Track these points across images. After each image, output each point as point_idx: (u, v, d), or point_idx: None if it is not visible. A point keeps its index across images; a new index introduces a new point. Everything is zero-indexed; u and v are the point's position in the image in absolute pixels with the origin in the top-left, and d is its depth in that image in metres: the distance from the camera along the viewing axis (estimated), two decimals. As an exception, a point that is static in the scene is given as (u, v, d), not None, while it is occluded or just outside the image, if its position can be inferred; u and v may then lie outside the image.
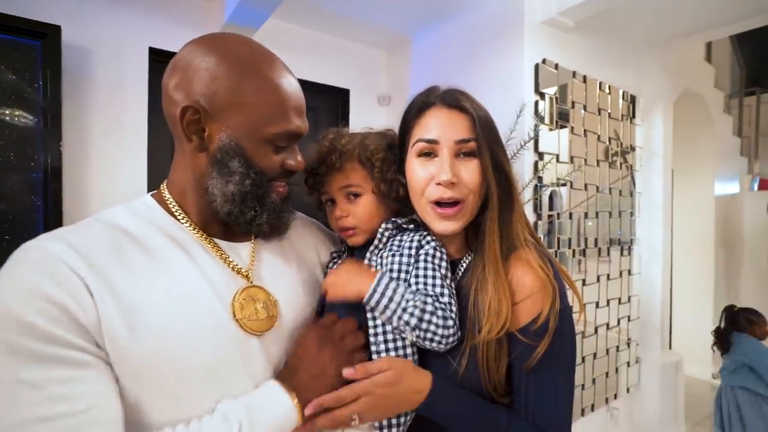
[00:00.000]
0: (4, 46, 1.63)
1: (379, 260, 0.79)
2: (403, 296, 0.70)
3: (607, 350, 2.37)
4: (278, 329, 0.70)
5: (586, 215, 2.23)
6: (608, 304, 2.38)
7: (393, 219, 0.81)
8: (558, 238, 2.08)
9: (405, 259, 0.76)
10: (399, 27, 2.56)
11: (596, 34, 2.28)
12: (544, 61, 2.02)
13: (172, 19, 2.03)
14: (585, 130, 2.21)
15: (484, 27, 2.17)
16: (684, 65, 3.07)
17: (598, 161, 2.29)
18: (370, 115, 2.75)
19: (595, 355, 2.29)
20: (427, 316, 0.69)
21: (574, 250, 2.17)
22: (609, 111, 2.35)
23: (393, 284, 0.71)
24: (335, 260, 0.88)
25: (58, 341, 0.50)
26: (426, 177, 0.76)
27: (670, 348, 3.47)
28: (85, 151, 1.86)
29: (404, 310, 0.70)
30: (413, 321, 0.69)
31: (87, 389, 0.51)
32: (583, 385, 2.22)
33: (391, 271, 0.76)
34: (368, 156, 0.81)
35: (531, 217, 1.98)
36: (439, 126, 0.76)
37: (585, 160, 2.21)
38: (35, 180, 1.71)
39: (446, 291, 0.73)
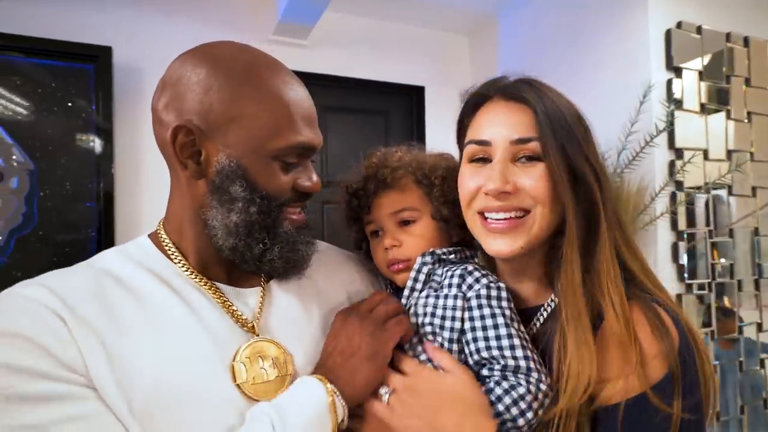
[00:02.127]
0: (60, 73, 1.85)
1: (414, 306, 0.75)
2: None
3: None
4: None
5: (756, 231, 1.89)
6: (799, 358, 1.93)
7: (432, 250, 0.77)
8: (711, 265, 1.79)
9: (451, 302, 0.71)
10: (481, 5, 2.46)
11: (761, -22, 1.96)
12: (679, 24, 1.79)
13: (222, 28, 2.17)
14: (749, 113, 1.90)
15: (594, -9, 2.00)
16: None
17: (772, 157, 1.93)
18: (451, 116, 2.65)
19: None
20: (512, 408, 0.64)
21: (740, 281, 1.82)
22: (788, 83, 1.99)
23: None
24: None
25: (51, 378, 0.52)
26: (474, 187, 0.72)
27: None
28: (137, 175, 2.03)
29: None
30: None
31: (95, 425, 0.53)
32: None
33: (432, 316, 0.71)
34: (426, 173, 0.79)
35: (669, 236, 1.74)
36: (493, 124, 0.72)
37: (751, 154, 1.89)
38: (90, 210, 1.91)
39: (518, 343, 0.66)
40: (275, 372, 0.65)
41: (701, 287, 1.75)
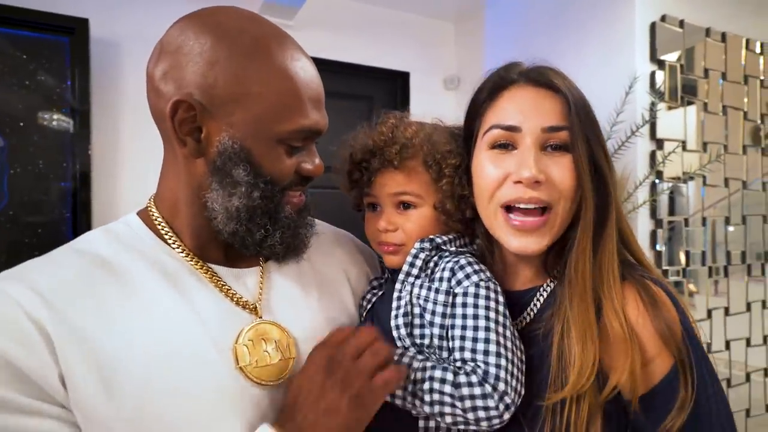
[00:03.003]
0: (32, 45, 1.74)
1: (408, 294, 0.71)
2: (421, 381, 0.63)
3: None
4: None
5: (727, 220, 1.95)
6: (765, 341, 2.04)
7: (431, 237, 0.73)
8: (687, 252, 1.83)
9: (442, 297, 0.68)
10: (469, -8, 2.44)
11: (740, -24, 1.99)
12: (663, 18, 1.79)
13: (206, 3, 2.07)
14: (724, 107, 1.93)
15: (580, -19, 1.99)
16: None
17: (744, 147, 1.99)
18: (436, 102, 2.72)
19: (748, 411, 1.96)
20: (453, 405, 0.60)
21: (710, 267, 1.89)
22: (761, 78, 2.04)
23: (417, 365, 0.64)
24: (375, 291, 0.81)
25: (17, 409, 0.50)
26: (499, 176, 0.67)
27: None
28: (114, 155, 1.95)
29: (422, 400, 0.62)
30: (427, 408, 0.62)
31: None
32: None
33: (423, 310, 0.68)
34: (437, 159, 0.73)
35: (648, 225, 1.77)
36: (522, 109, 0.68)
37: (725, 146, 1.92)
38: (64, 190, 1.81)
39: (493, 350, 0.62)
40: (278, 355, 0.63)
41: (676, 273, 1.79)
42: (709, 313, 1.87)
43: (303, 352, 0.66)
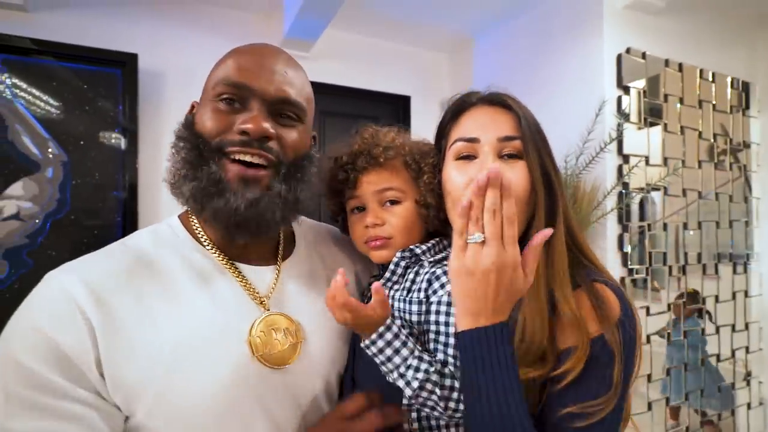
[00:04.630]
0: (91, 76, 1.84)
1: (390, 299, 0.70)
2: (404, 361, 0.60)
3: (719, 388, 2.03)
4: (306, 355, 0.65)
5: (685, 225, 1.97)
6: (718, 331, 2.06)
7: (411, 247, 0.72)
8: (650, 253, 1.86)
9: (415, 308, 0.66)
10: (461, 28, 2.49)
11: (694, 15, 2.02)
12: (628, 50, 1.84)
13: (235, 41, 2.15)
14: (682, 127, 1.96)
15: (557, 19, 2.04)
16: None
17: (699, 162, 2.02)
18: (433, 121, 2.68)
19: (702, 392, 1.98)
20: (428, 388, 0.58)
21: (670, 267, 1.92)
22: (713, 102, 2.07)
23: (397, 342, 0.60)
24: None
25: (52, 391, 0.50)
26: (464, 181, 0.68)
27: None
28: (158, 168, 2.02)
29: (402, 376, 0.59)
30: (408, 391, 0.59)
31: None
32: (687, 429, 1.92)
33: (403, 321, 0.67)
34: (416, 158, 0.73)
35: (616, 229, 1.80)
36: (480, 124, 0.69)
37: (683, 161, 1.96)
38: (117, 198, 1.90)
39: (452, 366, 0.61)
40: (288, 340, 0.63)
41: (639, 272, 1.83)
42: (669, 306, 1.91)
43: (310, 335, 0.67)
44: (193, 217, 0.67)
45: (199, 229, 0.67)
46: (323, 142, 2.46)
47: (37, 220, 1.74)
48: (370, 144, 0.73)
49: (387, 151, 0.72)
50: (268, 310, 0.65)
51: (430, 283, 0.67)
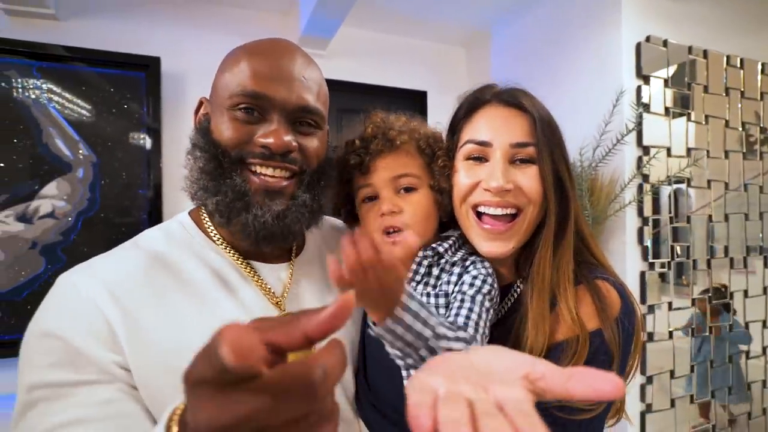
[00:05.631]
0: (117, 80, 1.94)
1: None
2: (424, 329, 0.55)
3: (749, 385, 1.98)
4: None
5: (710, 218, 1.91)
6: (747, 327, 2.00)
7: (433, 246, 0.69)
8: (672, 246, 1.82)
9: (443, 300, 0.65)
10: (477, 21, 2.48)
11: (719, -1, 1.95)
12: (648, 38, 1.80)
13: (253, 39, 2.22)
14: (706, 116, 1.90)
15: (574, 8, 2.01)
16: None
17: (726, 152, 1.95)
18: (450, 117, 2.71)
19: (730, 390, 1.93)
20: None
21: (695, 260, 1.86)
22: (742, 90, 1.99)
23: (424, 312, 0.55)
24: None
25: (86, 381, 0.49)
26: (472, 183, 0.67)
27: None
28: (181, 169, 2.11)
29: (416, 349, 0.55)
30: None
31: (116, 408, 0.50)
32: (713, 428, 1.88)
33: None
34: (429, 143, 0.71)
35: (635, 222, 1.77)
36: (493, 126, 0.68)
37: (707, 152, 1.90)
38: (143, 196, 2.00)
39: (472, 329, 0.59)
40: None
41: (662, 266, 1.79)
42: (693, 301, 1.86)
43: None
44: (205, 215, 0.67)
45: (212, 227, 0.66)
46: (341, 139, 2.49)
47: (69, 218, 1.86)
48: (383, 127, 0.70)
49: (401, 134, 0.69)
50: (284, 310, 0.65)
51: (460, 275, 0.66)
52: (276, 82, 0.60)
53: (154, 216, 1.99)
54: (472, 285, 0.64)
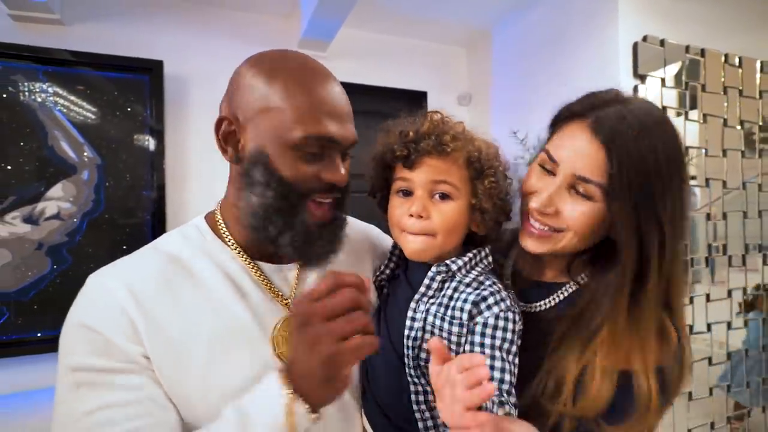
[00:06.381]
0: (121, 83, 1.98)
1: (423, 319, 0.67)
2: None
3: (747, 383, 2.00)
4: None
5: (708, 216, 1.93)
6: (746, 325, 2.02)
7: (447, 262, 0.68)
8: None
9: (456, 329, 0.64)
10: (478, 21, 2.51)
11: (717, -1, 1.97)
12: (645, 38, 1.82)
13: (255, 44, 2.26)
14: (704, 115, 1.92)
15: (573, 8, 2.03)
16: None
17: (724, 151, 1.97)
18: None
19: (728, 388, 1.95)
20: None
21: (692, 259, 1.88)
22: (740, 88, 2.01)
23: None
24: (382, 281, 0.78)
25: (110, 369, 0.55)
26: (534, 189, 0.67)
27: None
28: (183, 169, 2.16)
29: None
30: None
31: (149, 406, 0.55)
32: (712, 425, 1.90)
33: (431, 335, 0.65)
34: (481, 158, 0.68)
35: None
36: (569, 150, 0.63)
37: (706, 150, 1.92)
38: (147, 198, 2.04)
39: (507, 378, 0.59)
40: None
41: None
42: (691, 299, 1.88)
43: None
44: (220, 218, 0.70)
45: (224, 229, 0.69)
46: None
47: (75, 220, 1.90)
48: (439, 129, 0.68)
49: (455, 140, 0.67)
50: (291, 311, 0.66)
51: (476, 304, 0.64)
52: (341, 122, 0.63)
53: (158, 217, 2.03)
54: (494, 336, 0.62)
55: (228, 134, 0.64)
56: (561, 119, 0.68)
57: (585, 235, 0.64)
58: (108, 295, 0.58)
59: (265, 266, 0.68)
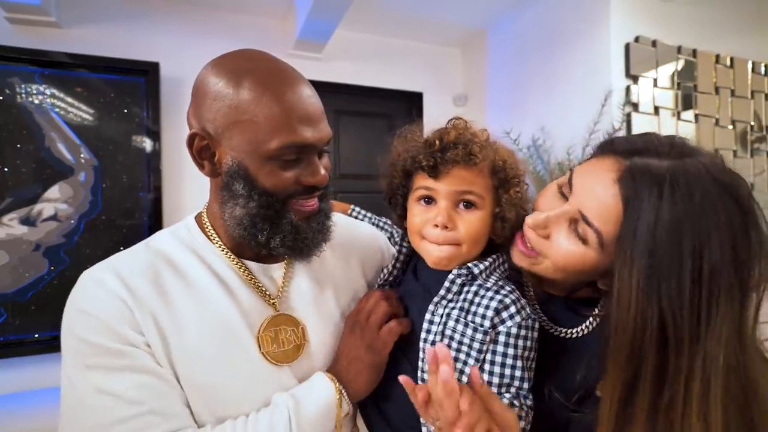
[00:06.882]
0: (118, 85, 2.00)
1: (442, 317, 0.67)
2: None
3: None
4: (307, 357, 0.69)
5: None
6: None
7: (468, 266, 0.67)
8: None
9: (480, 336, 0.64)
10: (473, 22, 2.53)
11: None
12: (637, 39, 1.85)
13: (250, 45, 2.27)
14: (696, 115, 1.95)
15: (566, 9, 2.06)
16: None
17: (716, 150, 1.97)
18: (446, 117, 2.73)
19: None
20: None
21: None
22: (732, 88, 2.04)
23: None
24: (386, 285, 0.79)
25: (119, 352, 0.57)
26: (545, 207, 0.64)
27: None
28: (180, 170, 2.18)
29: None
30: None
31: (155, 381, 0.59)
32: None
33: (460, 344, 0.65)
34: (504, 167, 0.68)
35: None
36: (588, 186, 0.58)
37: None
38: (143, 199, 2.06)
39: (525, 385, 0.62)
40: (293, 341, 0.68)
41: None
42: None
43: (312, 338, 0.70)
44: (207, 221, 0.71)
45: (211, 230, 0.70)
46: (337, 139, 2.57)
47: (72, 221, 1.92)
48: (467, 138, 0.66)
49: (483, 150, 0.66)
50: (277, 310, 0.69)
51: (497, 312, 0.64)
52: (314, 125, 0.63)
53: (155, 218, 2.05)
54: (515, 345, 0.63)
55: (201, 149, 0.63)
56: (603, 147, 0.63)
57: (567, 272, 0.61)
58: (102, 286, 0.60)
59: (252, 265, 0.70)
